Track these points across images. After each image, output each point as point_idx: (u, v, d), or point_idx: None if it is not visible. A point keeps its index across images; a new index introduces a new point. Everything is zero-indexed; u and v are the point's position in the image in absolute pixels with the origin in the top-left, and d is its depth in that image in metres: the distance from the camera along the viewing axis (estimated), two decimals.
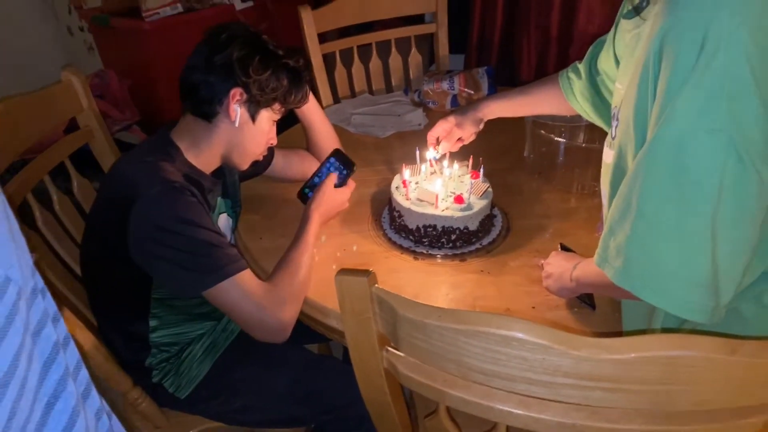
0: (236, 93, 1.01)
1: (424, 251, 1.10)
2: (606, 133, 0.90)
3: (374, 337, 0.63)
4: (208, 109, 1.02)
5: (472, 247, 1.10)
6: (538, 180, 1.36)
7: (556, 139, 1.34)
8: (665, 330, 0.75)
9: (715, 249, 0.63)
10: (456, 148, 1.27)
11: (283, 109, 1.10)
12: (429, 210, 1.08)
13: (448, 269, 1.07)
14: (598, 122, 1.10)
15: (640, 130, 0.69)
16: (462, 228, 1.08)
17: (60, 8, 2.85)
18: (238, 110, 1.02)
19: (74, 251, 1.18)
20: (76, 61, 3.01)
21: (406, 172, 1.16)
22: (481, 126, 1.27)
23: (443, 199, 1.10)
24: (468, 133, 1.26)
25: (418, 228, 1.11)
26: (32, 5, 2.96)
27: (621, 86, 0.80)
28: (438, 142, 1.24)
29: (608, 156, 0.82)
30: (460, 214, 1.07)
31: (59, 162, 1.20)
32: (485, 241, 1.12)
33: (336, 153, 1.25)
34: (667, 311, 0.68)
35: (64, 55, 3.09)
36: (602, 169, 0.87)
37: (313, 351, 1.32)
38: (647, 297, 0.67)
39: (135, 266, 0.96)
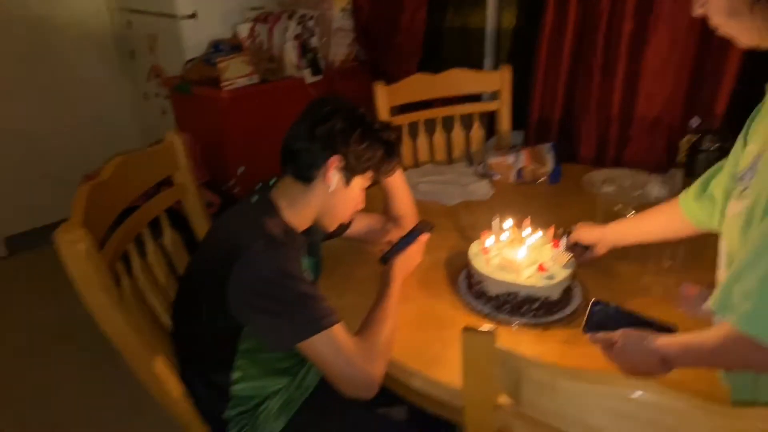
0: (335, 161, 1.08)
1: (505, 318, 1.12)
2: None
3: (493, 396, 0.65)
4: (307, 174, 1.10)
5: (554, 317, 1.11)
6: (610, 255, 1.37)
7: (628, 215, 1.36)
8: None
9: None
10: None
11: (374, 177, 1.17)
12: (512, 278, 1.11)
13: (530, 338, 1.08)
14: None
15: None
16: (544, 297, 1.10)
17: (139, 75, 3.08)
18: (335, 176, 1.09)
19: (162, 300, 1.23)
20: (149, 124, 3.22)
21: (489, 239, 1.19)
22: (597, 251, 1.26)
23: (527, 267, 1.13)
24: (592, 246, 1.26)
25: (498, 295, 1.12)
26: (114, 71, 3.21)
27: (754, 146, 0.83)
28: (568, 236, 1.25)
29: (736, 207, 0.82)
30: (543, 283, 1.09)
31: (156, 215, 1.28)
32: (567, 311, 1.13)
33: (420, 221, 1.33)
34: None
35: (138, 117, 3.31)
36: (724, 225, 0.88)
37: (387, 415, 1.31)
38: None
39: (229, 317, 1.00)
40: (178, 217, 1.42)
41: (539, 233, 1.21)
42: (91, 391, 2.07)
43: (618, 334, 0.89)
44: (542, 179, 1.79)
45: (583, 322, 1.02)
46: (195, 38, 2.66)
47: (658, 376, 0.83)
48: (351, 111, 1.12)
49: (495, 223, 1.25)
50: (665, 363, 0.82)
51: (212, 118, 2.42)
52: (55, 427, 1.95)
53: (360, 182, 1.15)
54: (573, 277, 1.16)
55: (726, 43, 0.77)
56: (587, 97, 2.03)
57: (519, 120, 2.28)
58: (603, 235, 1.24)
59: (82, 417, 1.98)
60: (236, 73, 2.33)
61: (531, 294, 1.09)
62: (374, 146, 1.11)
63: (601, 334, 0.93)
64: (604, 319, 0.99)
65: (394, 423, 1.23)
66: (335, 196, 1.12)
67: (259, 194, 1.12)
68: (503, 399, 0.66)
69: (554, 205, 1.64)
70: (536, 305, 1.10)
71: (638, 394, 0.53)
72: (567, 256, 1.14)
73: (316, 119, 1.10)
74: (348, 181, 1.12)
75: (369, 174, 1.15)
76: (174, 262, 1.33)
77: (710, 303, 0.75)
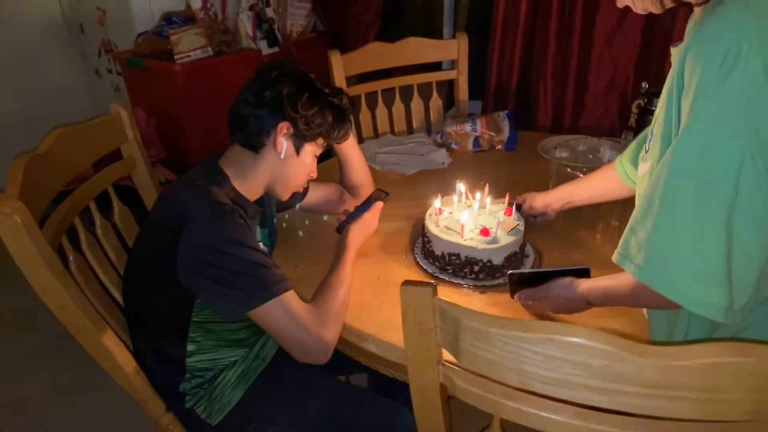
0: (284, 127, 1.06)
1: (446, 278, 1.13)
2: None
3: (434, 350, 0.65)
4: (256, 141, 1.08)
5: (494, 282, 1.12)
6: (563, 218, 1.40)
7: (579, 176, 1.38)
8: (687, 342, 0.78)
9: (730, 249, 0.67)
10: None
11: (325, 143, 1.16)
12: (454, 238, 1.12)
13: (468, 300, 1.09)
14: None
15: (667, 138, 0.75)
16: (485, 260, 1.11)
17: (90, 50, 2.97)
18: (284, 143, 1.08)
19: (112, 275, 1.20)
20: (102, 101, 3.12)
21: (437, 201, 1.20)
22: (548, 216, 1.30)
23: (470, 230, 1.13)
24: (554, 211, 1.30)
25: (443, 255, 1.14)
26: (63, 46, 3.09)
27: (658, 108, 0.86)
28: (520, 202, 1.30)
29: (642, 169, 0.87)
30: (483, 246, 1.10)
31: (103, 189, 1.24)
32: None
33: (375, 191, 1.33)
34: (685, 308, 0.71)
35: (91, 94, 3.20)
36: (637, 184, 0.92)
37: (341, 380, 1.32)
38: (664, 291, 0.71)
39: (180, 288, 0.99)
40: (130, 193, 1.39)
41: (488, 199, 1.22)
42: (55, 370, 2.04)
43: (543, 288, 0.98)
44: (499, 147, 1.81)
45: (509, 292, 1.05)
46: (146, 11, 2.58)
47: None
48: (299, 75, 1.10)
49: (458, 186, 1.25)
50: (589, 304, 0.91)
51: (166, 93, 2.36)
52: (18, 403, 1.91)
53: (311, 149, 1.13)
54: (522, 244, 1.17)
55: (674, 8, 0.79)
56: (543, 64, 2.04)
57: (479, 90, 2.29)
58: (551, 200, 1.28)
59: (46, 395, 1.95)
60: (189, 45, 2.26)
61: (471, 256, 1.10)
62: (324, 111, 1.10)
63: (526, 291, 1.01)
64: (524, 282, 1.03)
65: (353, 389, 1.24)
66: (286, 164, 1.11)
67: (207, 163, 1.10)
68: (444, 355, 0.67)
69: (510, 172, 1.66)
70: (477, 268, 1.11)
71: (569, 338, 0.55)
72: (513, 224, 1.15)
73: (263, 85, 1.08)
74: (298, 148, 1.10)
75: (320, 141, 1.13)
76: (125, 237, 1.30)
77: (613, 256, 0.79)
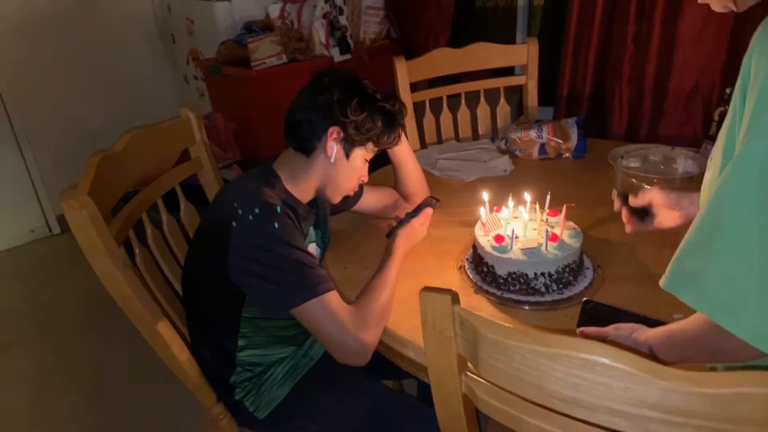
0: (334, 131, 1.09)
1: (512, 297, 1.10)
2: None
3: (454, 358, 0.64)
4: (307, 145, 1.11)
5: (560, 296, 1.08)
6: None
7: (647, 188, 1.30)
8: (728, 369, 0.70)
9: None
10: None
11: (376, 148, 1.17)
12: (505, 254, 1.09)
13: (533, 317, 1.06)
14: None
15: (729, 147, 0.67)
16: (528, 273, 1.07)
17: (180, 59, 3.18)
18: (334, 147, 1.10)
19: (176, 270, 1.28)
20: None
21: (483, 211, 1.18)
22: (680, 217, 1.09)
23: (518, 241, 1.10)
24: (664, 200, 1.08)
25: (490, 267, 1.10)
26: (157, 55, 3.32)
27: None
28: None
29: (706, 177, 0.79)
30: (521, 257, 1.06)
31: (171, 188, 1.32)
32: (575, 290, 1.09)
33: (426, 198, 1.33)
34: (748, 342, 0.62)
35: (179, 100, 3.42)
36: (701, 194, 0.84)
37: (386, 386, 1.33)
38: (728, 324, 0.62)
39: (230, 284, 1.03)
40: (199, 192, 1.47)
41: (521, 207, 1.18)
42: (137, 356, 2.19)
43: (610, 329, 0.87)
44: (566, 155, 1.74)
45: (577, 321, 0.99)
46: (229, 20, 2.72)
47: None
48: (350, 81, 1.12)
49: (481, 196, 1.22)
50: (653, 355, 0.78)
51: (243, 98, 2.48)
52: (100, 388, 2.07)
53: (361, 154, 1.15)
54: (581, 255, 1.12)
55: (765, 7, 0.72)
56: (619, 69, 1.95)
57: (551, 96, 2.22)
58: (680, 201, 1.06)
59: (122, 380, 2.10)
60: (266, 53, 2.37)
61: (519, 270, 1.07)
62: (373, 116, 1.11)
63: (592, 329, 0.90)
64: (595, 317, 0.97)
65: (398, 395, 1.24)
66: (336, 168, 1.13)
67: (262, 166, 1.14)
68: (465, 365, 0.65)
69: (575, 181, 1.60)
70: (540, 281, 1.08)
71: (587, 356, 0.52)
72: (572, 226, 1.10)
73: (316, 90, 1.11)
74: (348, 152, 1.12)
75: (370, 145, 1.15)
76: (190, 234, 1.37)
77: (661, 282, 0.70)
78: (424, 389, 1.47)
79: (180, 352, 1.09)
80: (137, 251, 1.16)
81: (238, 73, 2.42)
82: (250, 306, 1.09)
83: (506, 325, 0.57)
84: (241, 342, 1.14)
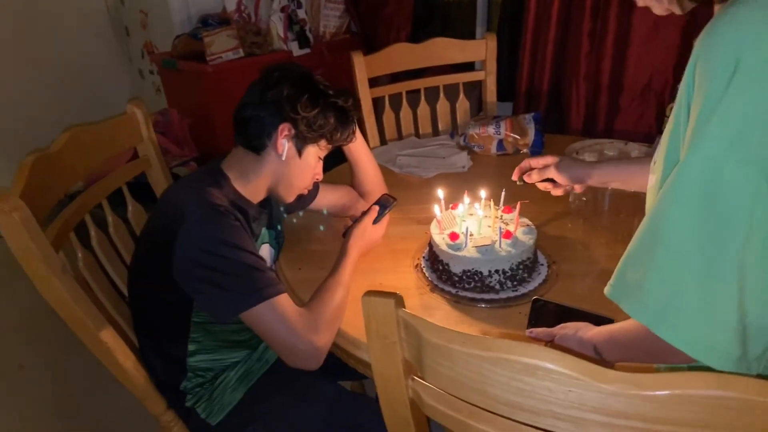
0: (284, 128, 1.06)
1: (467, 295, 1.09)
2: None
3: (399, 364, 0.63)
4: (257, 143, 1.07)
5: (515, 293, 1.08)
6: (583, 226, 1.33)
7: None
8: (672, 369, 0.70)
9: (743, 290, 0.58)
10: (540, 183, 1.24)
11: (329, 145, 1.14)
12: (460, 252, 1.08)
13: (488, 315, 1.05)
14: None
15: (672, 152, 0.66)
16: (481, 271, 1.06)
17: (134, 52, 3.08)
18: (285, 145, 1.07)
19: (124, 273, 1.23)
20: (146, 101, 3.22)
21: (437, 208, 1.16)
22: (579, 187, 1.20)
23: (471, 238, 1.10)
24: (564, 180, 1.19)
25: (443, 263, 1.09)
26: (110, 49, 3.21)
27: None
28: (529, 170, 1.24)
29: (650, 181, 0.77)
30: (475, 255, 1.06)
31: (117, 188, 1.27)
32: (530, 287, 1.09)
33: (382, 196, 1.30)
34: (686, 353, 0.62)
35: (135, 95, 3.31)
36: (647, 199, 0.83)
37: (346, 387, 1.31)
38: (665, 335, 0.62)
39: (178, 288, 0.99)
40: (148, 190, 1.42)
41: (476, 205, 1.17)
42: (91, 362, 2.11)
43: (557, 329, 0.87)
44: (524, 150, 1.75)
45: (527, 321, 0.99)
46: (184, 13, 2.65)
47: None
48: (301, 76, 1.09)
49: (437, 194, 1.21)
50: (597, 353, 0.78)
51: (199, 93, 2.41)
52: (54, 397, 1.99)
53: (314, 151, 1.12)
54: (535, 251, 1.12)
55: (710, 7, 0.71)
56: (576, 65, 1.97)
57: (510, 92, 2.23)
58: (585, 174, 1.16)
59: (77, 388, 2.02)
60: (222, 47, 2.31)
61: (472, 267, 1.07)
62: (326, 112, 1.08)
63: (540, 330, 0.91)
64: (545, 316, 0.97)
65: (355, 397, 1.22)
66: (288, 166, 1.10)
67: (209, 165, 1.10)
68: (412, 369, 0.63)
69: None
70: (476, 279, 1.07)
71: (528, 360, 0.51)
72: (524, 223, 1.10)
73: (265, 86, 1.07)
74: (300, 149, 1.09)
75: (323, 143, 1.12)
76: (137, 236, 1.32)
77: (605, 290, 0.70)
78: None
79: (125, 359, 1.05)
80: (79, 254, 1.11)
81: (193, 67, 2.36)
82: (199, 310, 1.05)
83: (449, 329, 0.56)
84: (191, 347, 1.10)
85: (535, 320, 0.98)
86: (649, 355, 0.70)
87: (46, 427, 1.89)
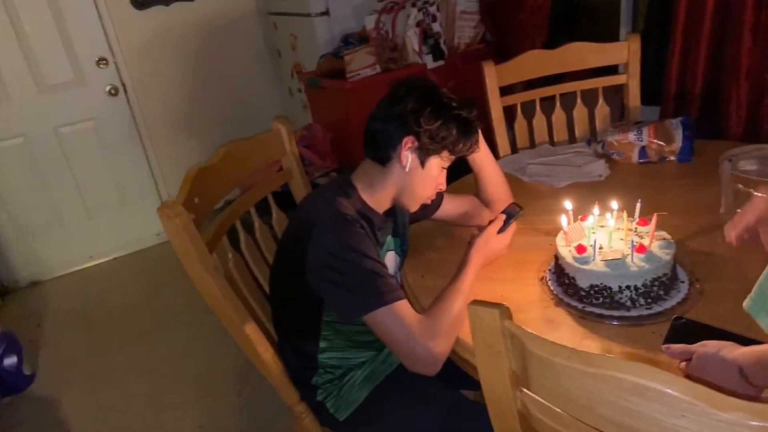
0: (408, 141, 1.10)
1: (594, 311, 1.04)
2: None
3: (506, 374, 0.63)
4: (383, 155, 1.13)
5: (648, 311, 1.01)
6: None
7: (758, 195, 1.17)
8: None
9: None
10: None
11: (452, 156, 1.16)
12: (588, 265, 1.03)
13: (617, 332, 0.99)
14: None
15: None
16: (611, 286, 1.00)
17: (284, 73, 3.36)
18: (409, 156, 1.11)
19: (267, 273, 1.36)
20: (293, 117, 3.50)
21: (564, 220, 1.12)
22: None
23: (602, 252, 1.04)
24: None
25: (586, 288, 1.05)
26: (264, 71, 3.54)
27: None
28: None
29: None
30: (604, 269, 1.00)
31: (263, 197, 1.41)
32: (666, 305, 1.02)
33: (509, 206, 1.29)
34: None
35: (284, 112, 3.61)
36: None
37: (468, 397, 1.31)
38: None
39: (310, 289, 1.08)
40: (290, 200, 1.55)
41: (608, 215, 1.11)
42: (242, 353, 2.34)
43: (696, 345, 0.80)
44: (671, 158, 1.61)
45: (664, 339, 0.93)
46: (328, 34, 2.83)
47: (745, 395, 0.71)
48: (426, 90, 1.12)
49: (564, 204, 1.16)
50: (743, 375, 0.71)
51: (339, 109, 2.57)
52: (209, 381, 2.25)
53: (437, 162, 1.15)
54: (674, 265, 1.04)
55: None
56: (735, 63, 1.77)
57: (656, 95, 2.07)
58: None
59: (229, 374, 2.26)
60: (360, 64, 2.43)
61: (602, 282, 1.01)
62: (448, 124, 1.11)
63: (678, 346, 0.83)
64: (685, 335, 0.89)
65: (473, 406, 1.21)
66: (411, 177, 1.14)
67: (340, 177, 1.18)
68: (519, 381, 0.63)
69: (678, 187, 1.48)
70: (624, 295, 1.01)
71: (636, 379, 0.49)
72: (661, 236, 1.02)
73: (392, 101, 1.13)
74: (423, 161, 1.13)
75: (445, 154, 1.14)
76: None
77: (744, 302, 0.64)
78: None
79: (264, 351, 1.16)
80: (230, 256, 1.25)
81: (334, 84, 2.52)
82: (329, 310, 1.13)
83: (553, 342, 0.55)
84: (321, 344, 1.18)
85: (673, 339, 0.91)
86: None
87: (200, 406, 2.13)
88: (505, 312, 0.60)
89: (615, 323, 1.01)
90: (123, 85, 3.11)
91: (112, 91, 3.08)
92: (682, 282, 1.07)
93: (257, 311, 1.28)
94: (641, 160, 1.64)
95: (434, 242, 1.39)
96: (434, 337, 0.99)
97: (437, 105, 1.11)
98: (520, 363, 0.60)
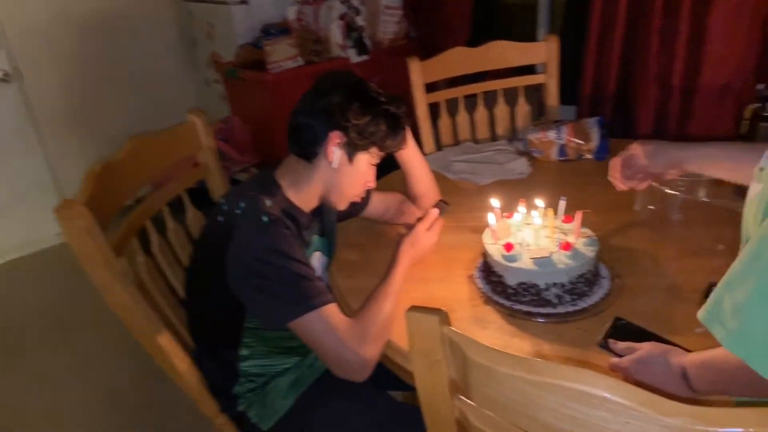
0: (335, 136, 1.05)
1: (522, 308, 1.04)
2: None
3: (445, 382, 0.60)
4: (309, 151, 1.07)
5: (574, 307, 1.02)
6: (650, 237, 1.25)
7: (670, 192, 1.23)
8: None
9: None
10: (642, 185, 1.12)
11: (380, 152, 1.13)
12: (516, 263, 1.03)
13: (545, 330, 1.00)
14: None
15: None
16: (539, 284, 1.01)
17: (201, 63, 3.20)
18: (336, 152, 1.06)
19: (182, 277, 1.26)
20: (210, 109, 3.34)
21: (490, 217, 1.12)
22: (674, 172, 1.04)
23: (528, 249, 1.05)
24: (658, 167, 1.04)
25: (514, 286, 1.05)
26: (178, 59, 3.35)
27: None
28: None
29: (753, 190, 0.70)
30: (532, 267, 1.01)
31: (177, 194, 1.31)
32: (590, 301, 1.03)
33: (436, 203, 1.27)
34: None
35: (201, 104, 3.44)
36: (745, 208, 0.75)
37: (396, 398, 1.28)
38: (761, 369, 0.57)
39: (231, 294, 1.01)
40: (206, 198, 1.45)
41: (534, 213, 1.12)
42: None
43: (642, 345, 0.82)
44: (587, 156, 1.67)
45: (601, 337, 0.94)
46: (247, 23, 2.72)
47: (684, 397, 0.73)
48: (353, 84, 1.08)
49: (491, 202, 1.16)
50: (685, 379, 0.72)
51: (260, 101, 2.47)
52: (118, 390, 2.09)
53: (365, 158, 1.11)
54: (596, 262, 1.06)
55: None
56: (644, 66, 1.86)
57: (573, 95, 2.14)
58: (684, 156, 1.00)
59: (114, 385, 2.11)
60: (281, 55, 2.35)
61: (529, 280, 1.02)
62: (377, 120, 1.07)
63: (624, 343, 0.85)
64: (624, 337, 0.91)
65: (405, 409, 1.19)
66: (339, 174, 1.09)
67: (262, 174, 1.12)
68: (458, 388, 0.61)
69: (595, 184, 1.51)
70: (550, 292, 1.02)
71: (582, 387, 0.47)
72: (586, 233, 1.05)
73: (316, 94, 1.07)
74: (351, 157, 1.08)
75: (374, 150, 1.10)
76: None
77: (699, 313, 0.65)
78: None
79: (180, 362, 1.07)
80: (140, 260, 1.15)
81: (254, 76, 2.42)
82: (252, 316, 1.06)
83: (495, 349, 0.53)
84: (243, 352, 1.11)
85: (611, 338, 0.92)
86: (750, 388, 0.64)
87: (110, 420, 1.97)
88: (444, 318, 0.57)
89: (542, 320, 1.02)
90: (15, 70, 2.82)
91: (4, 77, 2.79)
92: (604, 278, 1.10)
93: (171, 318, 1.18)
94: (560, 158, 1.69)
95: (362, 241, 1.35)
96: (364, 341, 0.95)
97: (366, 99, 1.06)
98: (460, 371, 0.57)
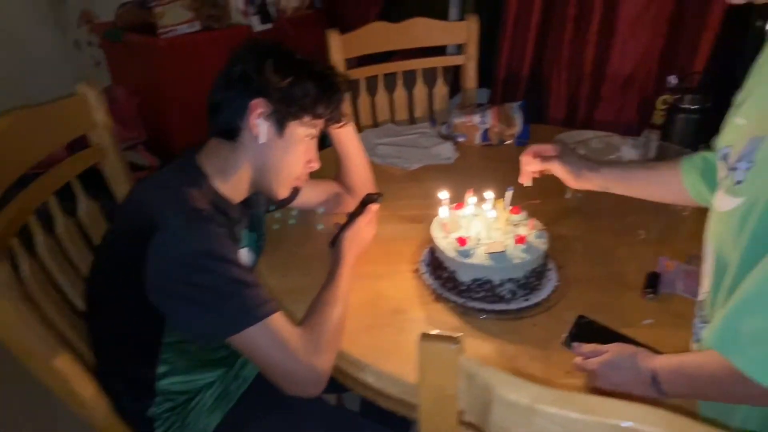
0: (257, 105, 0.90)
1: (475, 305, 0.99)
2: None
3: (453, 419, 0.52)
4: (230, 127, 0.92)
5: (526, 302, 0.99)
6: (583, 225, 1.26)
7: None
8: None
9: None
10: (526, 178, 1.12)
11: (315, 121, 0.98)
12: (469, 259, 0.98)
13: (501, 328, 0.96)
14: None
15: None
16: (493, 280, 0.98)
17: (69, 22, 2.77)
18: (261, 124, 0.92)
19: (77, 282, 1.06)
20: (82, 76, 2.92)
21: (443, 209, 1.06)
22: (576, 185, 1.07)
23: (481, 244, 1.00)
24: (567, 177, 1.06)
25: (469, 281, 0.99)
26: (41, 16, 2.88)
27: (746, 120, 0.69)
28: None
29: (728, 203, 0.68)
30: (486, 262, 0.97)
31: (66, 182, 1.09)
32: (541, 296, 1.01)
33: (366, 195, 1.18)
34: None
35: (69, 69, 3.00)
36: (711, 219, 0.74)
37: (330, 402, 1.19)
38: None
39: (149, 305, 0.84)
40: (99, 183, 1.23)
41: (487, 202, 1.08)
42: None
43: (609, 347, 0.79)
44: (509, 141, 1.66)
45: (565, 336, 0.92)
46: None
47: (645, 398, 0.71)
48: (270, 46, 0.94)
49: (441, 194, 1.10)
50: (655, 384, 0.70)
51: (149, 70, 2.18)
52: None
53: (299, 130, 0.96)
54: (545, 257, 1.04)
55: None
56: (558, 52, 1.89)
57: (486, 77, 2.13)
58: (593, 174, 1.03)
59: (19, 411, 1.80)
60: (175, 19, 2.09)
61: (484, 276, 0.97)
62: (302, 82, 0.93)
63: (589, 346, 0.81)
64: (588, 336, 0.89)
65: (345, 416, 1.10)
66: (270, 150, 0.94)
67: (183, 160, 0.94)
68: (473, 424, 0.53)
69: (514, 171, 1.52)
70: (504, 288, 0.98)
71: (649, 429, 0.41)
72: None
73: (229, 65, 0.92)
74: (281, 129, 0.93)
75: (306, 118, 0.96)
76: (91, 237, 1.15)
77: (707, 336, 0.62)
78: (367, 404, 1.35)
79: (83, 388, 0.88)
80: (23, 263, 0.94)
81: (142, 40, 2.13)
82: (172, 330, 0.90)
83: (533, 383, 0.45)
84: (161, 369, 0.95)
85: (575, 337, 0.90)
86: (725, 395, 0.63)
87: None
88: (460, 347, 0.48)
89: (495, 318, 0.97)
90: None
91: None
92: (550, 270, 1.08)
93: (67, 334, 0.98)
94: (483, 143, 1.66)
95: (291, 235, 1.22)
96: (317, 352, 0.84)
97: (286, 60, 0.93)
98: (479, 406, 0.49)
